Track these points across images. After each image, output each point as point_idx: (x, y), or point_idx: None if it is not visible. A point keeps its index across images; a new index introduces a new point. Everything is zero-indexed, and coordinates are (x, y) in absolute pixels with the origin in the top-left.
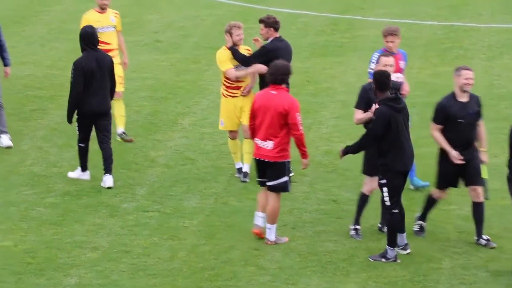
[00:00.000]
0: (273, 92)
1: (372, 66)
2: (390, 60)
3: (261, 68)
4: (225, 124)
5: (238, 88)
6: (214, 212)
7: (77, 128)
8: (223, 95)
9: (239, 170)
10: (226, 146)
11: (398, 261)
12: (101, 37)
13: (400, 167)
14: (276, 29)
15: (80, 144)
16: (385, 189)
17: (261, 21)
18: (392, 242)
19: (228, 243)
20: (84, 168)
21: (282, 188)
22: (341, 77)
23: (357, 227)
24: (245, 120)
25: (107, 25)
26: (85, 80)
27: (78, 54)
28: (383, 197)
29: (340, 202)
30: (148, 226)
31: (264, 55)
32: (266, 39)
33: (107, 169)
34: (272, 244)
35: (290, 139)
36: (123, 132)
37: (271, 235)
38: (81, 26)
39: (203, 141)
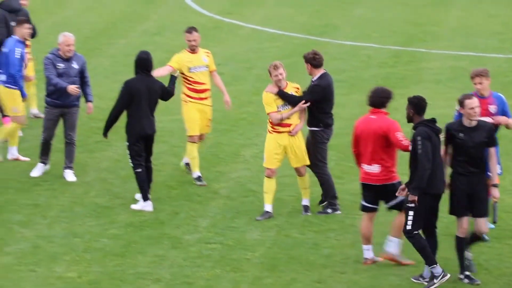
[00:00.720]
0: (373, 116)
1: (457, 107)
2: (473, 102)
3: (304, 106)
4: (266, 160)
5: (281, 125)
6: (276, 244)
7: (129, 155)
8: (268, 131)
9: (268, 212)
10: (287, 178)
11: (448, 275)
12: (194, 77)
13: (432, 190)
14: (315, 66)
15: (137, 170)
16: (410, 212)
17: (303, 57)
18: (430, 261)
19: (290, 276)
20: (145, 198)
21: (401, 206)
22: (403, 109)
23: (467, 273)
24: (294, 162)
25: (199, 65)
26: (132, 102)
27: None
28: (406, 220)
29: (403, 237)
30: (211, 258)
31: (319, 92)
32: (311, 75)
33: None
34: (389, 259)
35: (395, 161)
36: (199, 177)
37: (392, 247)
38: (171, 63)
39: (262, 173)
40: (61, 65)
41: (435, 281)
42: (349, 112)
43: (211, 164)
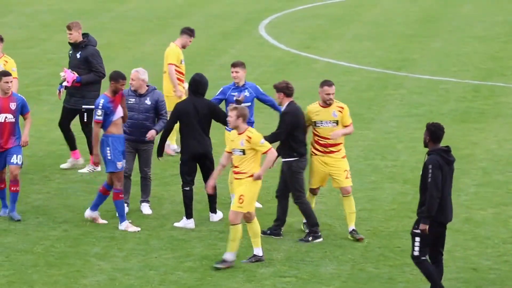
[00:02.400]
0: None
1: None
2: None
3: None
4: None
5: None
6: (351, 278)
7: (180, 173)
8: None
9: (226, 261)
10: (363, 212)
11: None
12: (320, 132)
13: (440, 218)
14: (288, 95)
15: (185, 188)
16: (417, 238)
17: (275, 86)
18: (437, 285)
19: None
20: (189, 215)
21: None
22: (482, 144)
23: None
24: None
25: (326, 120)
26: (181, 122)
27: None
28: (413, 246)
29: (480, 271)
30: None
31: (291, 118)
32: (280, 104)
33: (213, 208)
34: None
35: None
36: (354, 230)
37: None
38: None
39: (341, 206)
40: (132, 100)
41: None
42: None
43: None
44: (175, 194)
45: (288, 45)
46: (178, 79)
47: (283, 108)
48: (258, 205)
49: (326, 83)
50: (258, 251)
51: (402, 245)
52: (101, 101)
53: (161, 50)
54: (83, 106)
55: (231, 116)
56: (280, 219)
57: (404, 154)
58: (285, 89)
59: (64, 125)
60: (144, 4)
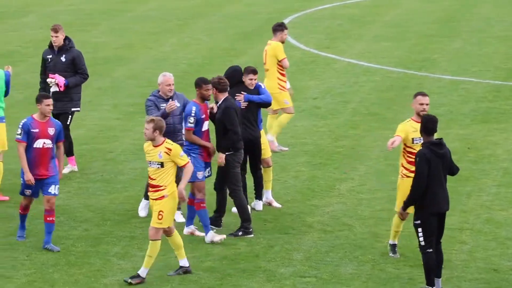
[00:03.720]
0: None
1: None
2: None
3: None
4: (164, 220)
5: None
6: (371, 278)
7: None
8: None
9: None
10: (383, 212)
11: None
12: (415, 149)
13: (434, 209)
14: (220, 90)
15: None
16: (419, 229)
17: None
18: (429, 281)
19: None
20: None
21: None
22: (503, 144)
23: None
24: None
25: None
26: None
27: None
28: (418, 237)
29: (501, 272)
30: None
31: (232, 112)
32: (216, 100)
33: (258, 195)
34: None
35: None
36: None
37: None
38: (398, 133)
39: (361, 206)
40: (164, 105)
41: None
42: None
43: (306, 198)
44: None
45: (308, 45)
46: (282, 74)
47: (219, 103)
48: (278, 205)
49: (420, 93)
50: (184, 262)
51: None
52: (193, 108)
53: (181, 50)
54: (72, 109)
55: (148, 128)
56: (220, 210)
57: None
58: (217, 84)
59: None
60: (164, 4)
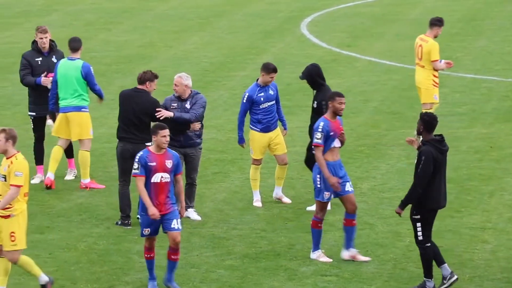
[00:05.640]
0: None
1: None
2: None
3: None
4: None
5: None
6: (392, 277)
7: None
8: None
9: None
10: (405, 211)
11: None
12: None
13: (433, 205)
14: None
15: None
16: (418, 224)
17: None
18: (428, 274)
19: None
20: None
21: None
22: None
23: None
24: None
25: None
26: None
27: None
28: (416, 232)
29: None
30: None
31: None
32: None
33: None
34: None
35: None
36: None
37: None
38: None
39: (382, 205)
40: (174, 105)
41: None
42: (468, 145)
43: None
44: (217, 192)
45: (329, 43)
46: (436, 70)
47: None
48: (288, 200)
49: None
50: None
51: (444, 244)
52: (321, 123)
53: (202, 49)
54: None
55: (0, 139)
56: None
57: None
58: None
59: (42, 136)
60: (185, 3)
